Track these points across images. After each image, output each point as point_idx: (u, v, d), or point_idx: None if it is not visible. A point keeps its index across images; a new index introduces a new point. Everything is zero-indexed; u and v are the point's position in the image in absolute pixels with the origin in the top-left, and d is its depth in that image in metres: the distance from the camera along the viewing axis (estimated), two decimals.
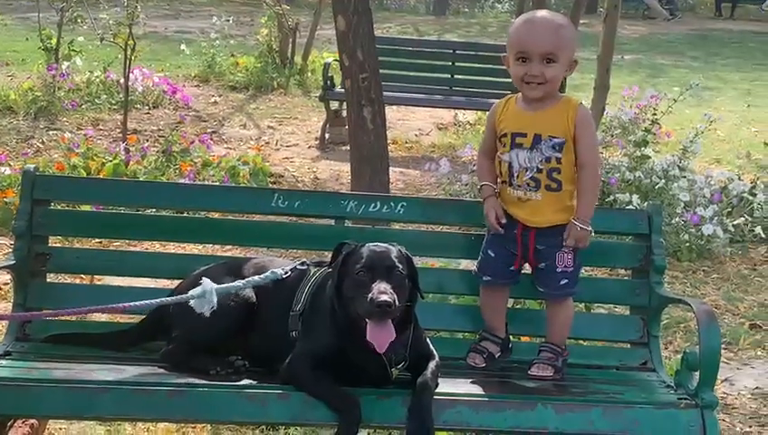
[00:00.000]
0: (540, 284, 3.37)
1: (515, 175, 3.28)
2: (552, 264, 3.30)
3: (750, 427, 4.26)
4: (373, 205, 3.61)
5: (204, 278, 2.94)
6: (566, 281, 3.31)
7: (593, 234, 3.30)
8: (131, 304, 2.89)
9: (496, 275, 3.40)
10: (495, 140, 3.37)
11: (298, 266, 3.20)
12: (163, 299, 2.98)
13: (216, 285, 2.90)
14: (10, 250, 3.67)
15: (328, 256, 3.20)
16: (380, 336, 2.88)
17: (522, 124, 3.29)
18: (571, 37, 3.27)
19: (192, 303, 2.88)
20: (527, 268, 3.43)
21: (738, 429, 4.22)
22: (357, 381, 2.98)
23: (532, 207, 3.28)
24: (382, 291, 2.85)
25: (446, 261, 4.31)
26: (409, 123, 11.08)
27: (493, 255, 3.39)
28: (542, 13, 3.36)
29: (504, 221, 3.33)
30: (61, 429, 3.83)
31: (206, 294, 2.87)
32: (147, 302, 2.93)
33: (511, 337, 3.51)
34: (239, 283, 3.03)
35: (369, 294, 2.85)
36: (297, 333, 3.07)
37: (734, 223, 6.71)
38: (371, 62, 5.38)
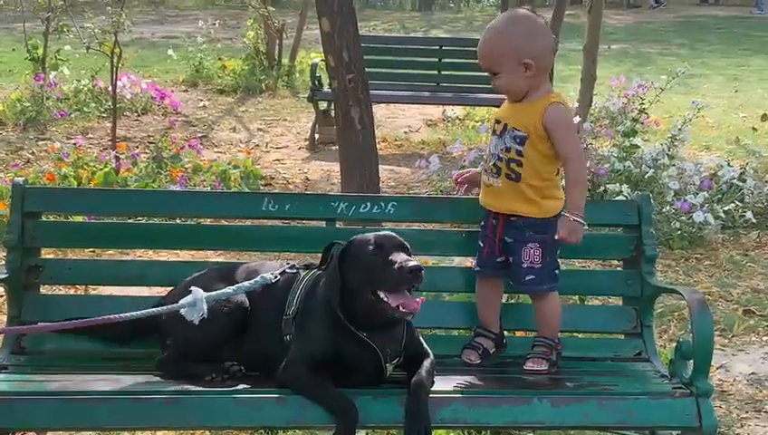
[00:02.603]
0: (509, 277, 3.41)
1: (486, 159, 3.41)
2: (518, 259, 3.34)
3: (746, 412, 4.28)
4: (363, 205, 3.63)
5: (193, 287, 2.95)
6: (532, 277, 3.33)
7: (586, 228, 3.30)
8: (121, 315, 2.89)
9: (484, 265, 3.45)
10: None
11: (287, 270, 3.21)
12: (154, 309, 2.98)
13: (206, 293, 2.91)
14: (2, 263, 3.66)
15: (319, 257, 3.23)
16: (410, 301, 2.93)
17: (501, 113, 3.41)
18: (504, 45, 3.26)
19: (183, 311, 2.89)
20: None
21: (735, 415, 4.24)
22: (352, 380, 3.00)
23: (494, 193, 3.37)
24: (407, 258, 2.92)
25: (438, 258, 4.32)
26: (398, 121, 11.10)
27: (482, 245, 3.45)
28: (490, 25, 3.36)
29: (458, 184, 3.61)
30: None
31: (196, 303, 2.87)
32: (137, 313, 2.93)
33: (505, 332, 3.52)
34: (229, 289, 3.04)
35: (395, 265, 2.91)
36: (291, 336, 3.08)
37: (725, 209, 6.73)
38: (357, 62, 5.38)
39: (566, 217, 3.27)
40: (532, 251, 3.32)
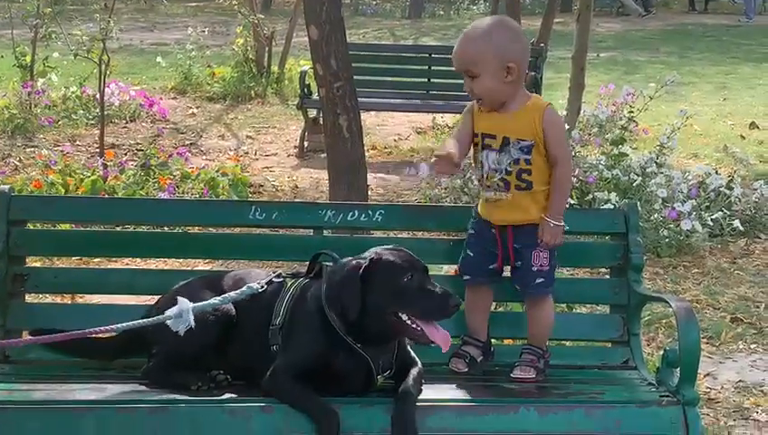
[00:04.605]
0: (516, 282, 3.40)
1: (485, 176, 3.34)
2: (527, 262, 3.33)
3: (734, 420, 4.28)
4: (351, 214, 3.62)
5: (179, 297, 2.93)
6: (542, 280, 3.33)
7: (567, 228, 3.32)
8: (107, 327, 2.88)
9: (476, 273, 3.43)
10: (468, 133, 3.38)
11: (274, 279, 3.19)
12: (140, 321, 2.96)
13: (192, 304, 2.90)
14: None
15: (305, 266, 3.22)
16: (443, 334, 2.97)
17: (491, 126, 3.33)
18: (487, 47, 3.22)
19: (169, 323, 2.88)
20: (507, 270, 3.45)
21: (722, 423, 4.24)
22: (340, 389, 2.99)
23: (504, 207, 3.32)
24: (447, 290, 2.97)
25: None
26: (388, 128, 11.10)
27: (472, 254, 3.43)
28: (471, 26, 3.33)
29: (456, 161, 3.24)
30: None
31: (182, 314, 2.86)
32: (124, 324, 2.91)
33: (493, 340, 3.52)
34: (215, 300, 3.03)
35: (437, 295, 2.94)
36: (278, 346, 3.07)
37: (713, 217, 6.74)
38: (345, 70, 5.38)
39: (547, 221, 3.27)
40: (541, 254, 3.32)
